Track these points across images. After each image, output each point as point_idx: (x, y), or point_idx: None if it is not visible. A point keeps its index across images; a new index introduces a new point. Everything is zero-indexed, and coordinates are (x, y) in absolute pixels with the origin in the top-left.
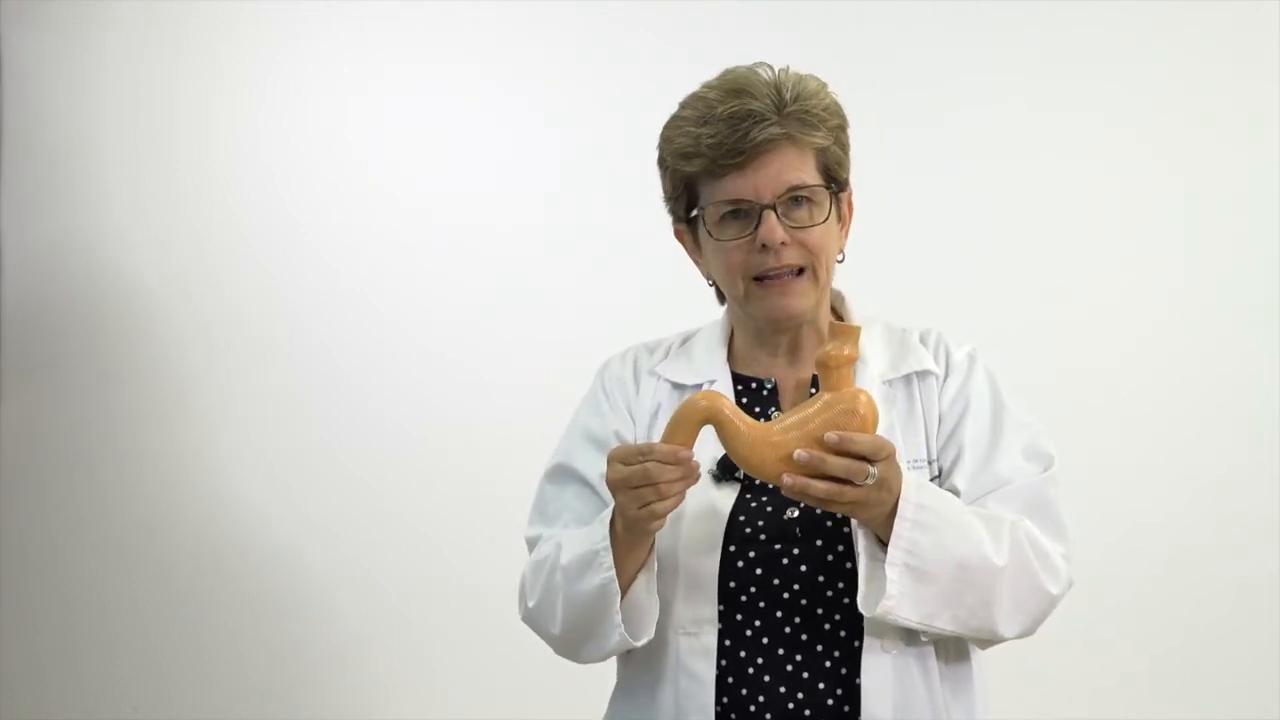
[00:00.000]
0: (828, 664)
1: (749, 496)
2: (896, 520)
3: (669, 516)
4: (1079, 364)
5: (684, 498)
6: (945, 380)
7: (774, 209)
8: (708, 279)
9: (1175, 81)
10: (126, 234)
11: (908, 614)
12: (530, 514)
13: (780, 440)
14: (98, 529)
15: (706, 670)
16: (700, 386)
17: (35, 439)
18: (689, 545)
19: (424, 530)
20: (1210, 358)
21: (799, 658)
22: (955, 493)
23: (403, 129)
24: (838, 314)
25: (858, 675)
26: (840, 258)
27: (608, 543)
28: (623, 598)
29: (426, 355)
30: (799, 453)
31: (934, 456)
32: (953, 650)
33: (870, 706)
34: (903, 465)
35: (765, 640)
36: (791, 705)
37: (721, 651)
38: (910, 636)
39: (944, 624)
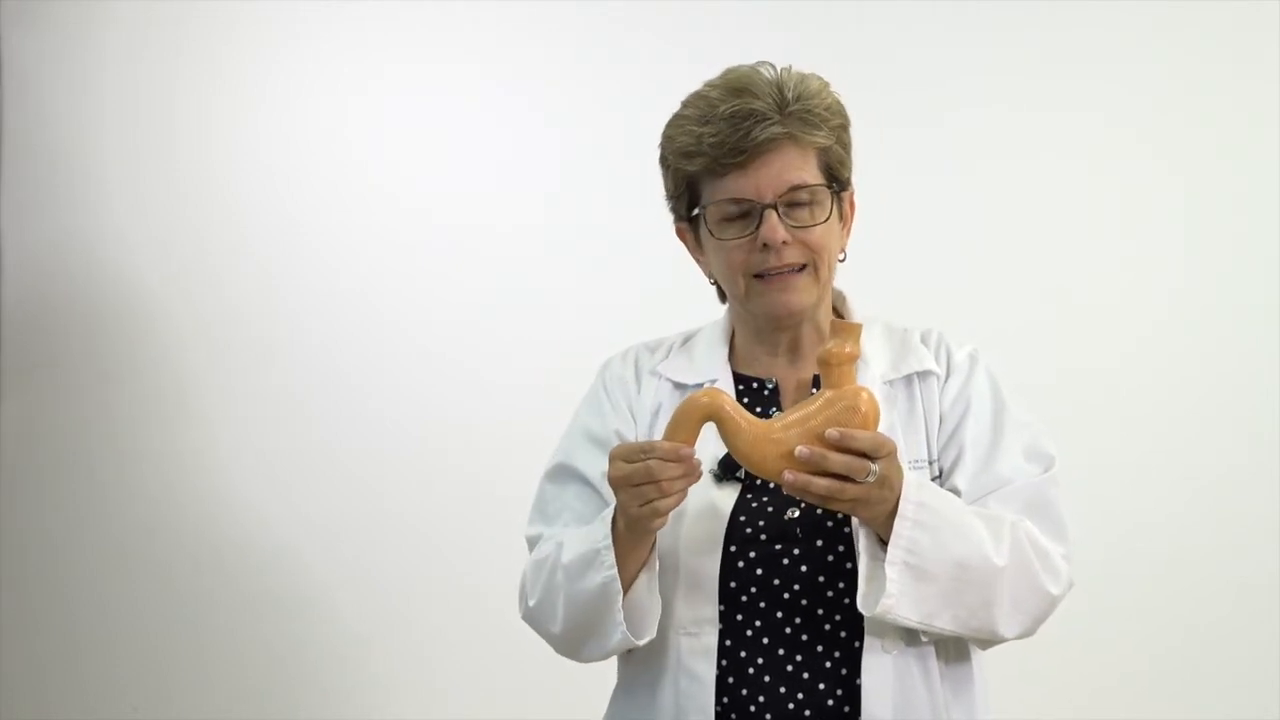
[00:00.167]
0: (828, 664)
1: (750, 497)
2: (897, 519)
3: (670, 515)
4: (1079, 364)
5: (686, 495)
6: (946, 381)
7: (775, 208)
8: (709, 278)
9: (1175, 81)
10: (126, 234)
11: (907, 613)
12: (530, 513)
13: (781, 437)
14: (98, 529)
15: (707, 670)
16: (701, 386)
17: (35, 439)
18: (689, 545)
19: (424, 530)
20: (1210, 358)
21: (799, 658)
22: (956, 493)
23: (403, 129)
24: (839, 314)
25: (858, 676)
26: (842, 257)
27: (609, 541)
28: (624, 597)
29: (426, 355)
30: (800, 449)
31: (935, 457)
32: (953, 651)
33: (870, 707)
34: (904, 465)
35: (766, 640)
36: (792, 705)
37: (722, 652)
38: (911, 637)
39: (944, 624)
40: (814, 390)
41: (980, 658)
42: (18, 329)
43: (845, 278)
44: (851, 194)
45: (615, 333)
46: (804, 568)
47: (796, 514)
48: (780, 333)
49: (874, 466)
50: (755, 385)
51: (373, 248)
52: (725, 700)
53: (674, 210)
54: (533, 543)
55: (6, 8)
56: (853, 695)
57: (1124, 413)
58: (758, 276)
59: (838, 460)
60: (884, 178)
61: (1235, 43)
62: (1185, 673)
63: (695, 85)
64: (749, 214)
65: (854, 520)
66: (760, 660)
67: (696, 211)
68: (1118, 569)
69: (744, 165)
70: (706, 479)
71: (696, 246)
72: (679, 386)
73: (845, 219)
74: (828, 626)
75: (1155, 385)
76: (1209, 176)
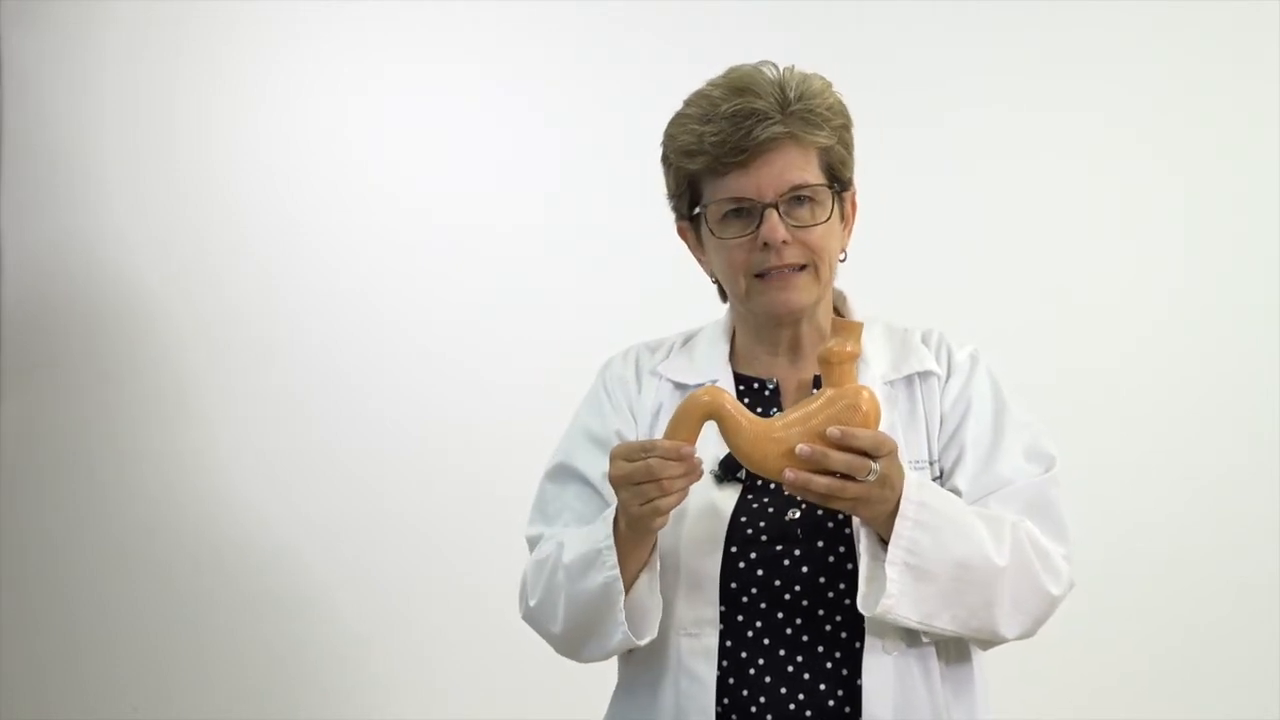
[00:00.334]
0: (829, 665)
1: (750, 498)
2: (898, 519)
3: (671, 516)
4: (1079, 364)
5: (687, 494)
6: (947, 381)
7: (776, 207)
8: (711, 277)
9: (1175, 81)
10: (126, 234)
11: (907, 613)
12: (530, 513)
13: (782, 436)
14: (98, 529)
15: (707, 671)
16: (702, 386)
17: (35, 439)
18: (690, 546)
19: (424, 530)
20: (1210, 358)
21: (800, 659)
22: (957, 494)
23: (403, 129)
24: (840, 314)
25: (859, 676)
26: (843, 257)
27: (611, 541)
28: (625, 597)
29: (426, 355)
30: (801, 447)
31: (935, 457)
32: (954, 651)
33: (871, 708)
34: (904, 465)
35: (766, 641)
36: (792, 706)
37: (723, 652)
38: (912, 638)
39: (944, 624)
40: (815, 391)
41: (981, 658)
42: (18, 329)
43: (845, 278)
44: (853, 194)
45: (615, 333)
46: (805, 569)
47: (797, 515)
48: (780, 332)
49: (875, 465)
50: (756, 386)
51: (373, 248)
52: (726, 701)
53: (675, 209)
54: (533, 543)
55: (6, 8)
56: (853, 696)
57: (1124, 413)
58: (759, 276)
59: (838, 458)
60: (884, 178)
61: (1235, 43)
62: (1185, 673)
63: (695, 85)
64: (750, 213)
65: (855, 521)
66: (761, 661)
67: (698, 210)
68: (1118, 569)
69: (745, 164)
70: (707, 480)
71: (698, 245)
72: (680, 387)
73: (847, 219)
74: (828, 627)
75: (1155, 385)
76: (1209, 176)
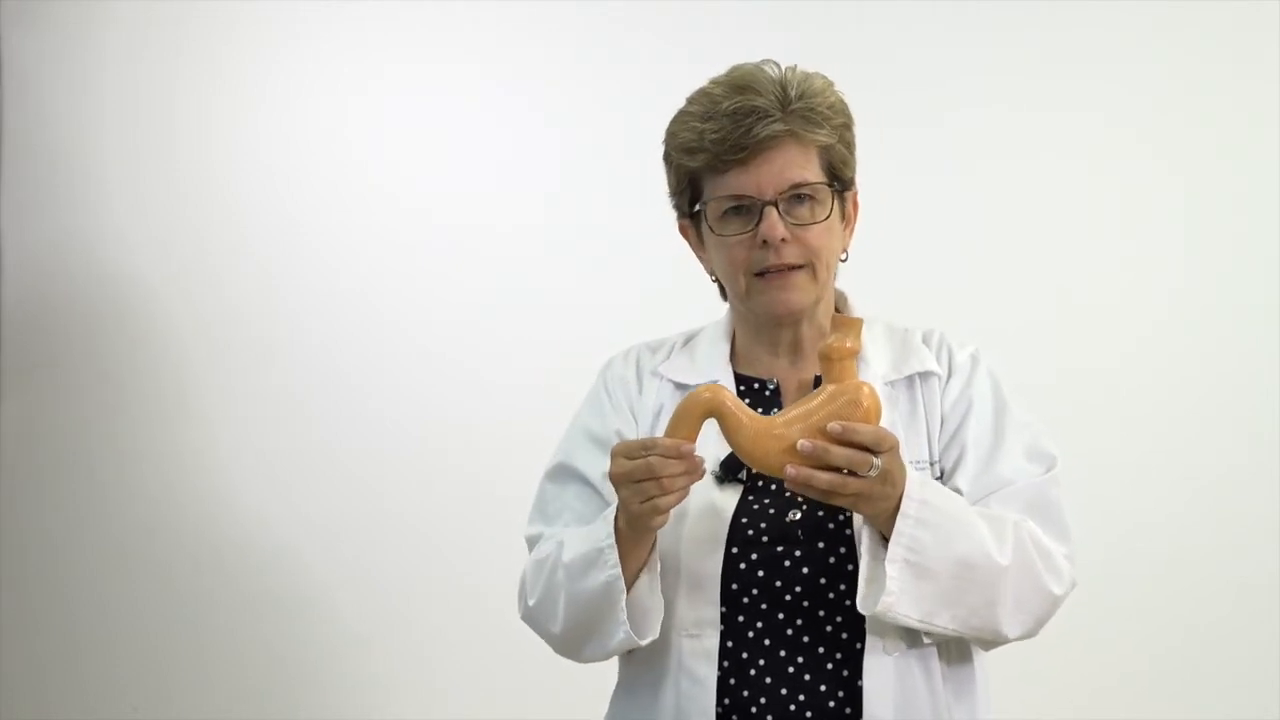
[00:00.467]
0: (829, 666)
1: (751, 498)
2: (899, 517)
3: (672, 516)
4: (1079, 364)
5: (687, 493)
6: (948, 381)
7: (776, 205)
8: (711, 275)
9: (1175, 81)
10: (126, 234)
11: (907, 611)
12: (530, 513)
13: (783, 432)
14: (98, 529)
15: (708, 672)
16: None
17: (35, 439)
18: (691, 547)
19: (424, 530)
20: (1210, 358)
21: (801, 660)
22: (957, 494)
23: (403, 129)
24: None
25: (860, 677)
26: (844, 256)
27: (613, 540)
28: (626, 596)
29: (426, 355)
30: (802, 443)
31: (936, 458)
32: (955, 652)
33: (872, 708)
34: (906, 463)
35: (767, 642)
36: (793, 707)
37: (723, 653)
38: (913, 639)
39: (944, 623)
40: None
41: (982, 659)
42: (18, 329)
43: (845, 278)
44: (855, 194)
45: (615, 333)
46: (805, 569)
47: (798, 516)
48: (781, 332)
49: (876, 460)
50: (756, 386)
51: (373, 248)
52: (726, 702)
53: (676, 206)
54: (532, 542)
55: (6, 8)
56: (854, 697)
57: (1124, 413)
58: (758, 275)
59: (840, 454)
60: (884, 178)
61: (1235, 43)
62: (1185, 673)
63: (695, 85)
64: (750, 210)
65: (856, 522)
66: (762, 662)
67: (698, 208)
68: (1118, 569)
69: (745, 162)
70: (708, 481)
71: (698, 243)
72: (680, 387)
73: (848, 219)
74: (829, 628)
75: (1155, 385)
76: (1209, 176)
